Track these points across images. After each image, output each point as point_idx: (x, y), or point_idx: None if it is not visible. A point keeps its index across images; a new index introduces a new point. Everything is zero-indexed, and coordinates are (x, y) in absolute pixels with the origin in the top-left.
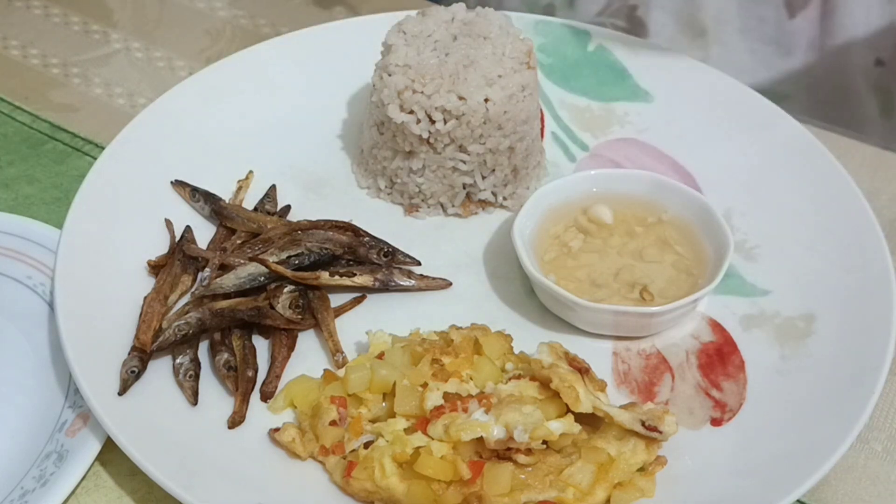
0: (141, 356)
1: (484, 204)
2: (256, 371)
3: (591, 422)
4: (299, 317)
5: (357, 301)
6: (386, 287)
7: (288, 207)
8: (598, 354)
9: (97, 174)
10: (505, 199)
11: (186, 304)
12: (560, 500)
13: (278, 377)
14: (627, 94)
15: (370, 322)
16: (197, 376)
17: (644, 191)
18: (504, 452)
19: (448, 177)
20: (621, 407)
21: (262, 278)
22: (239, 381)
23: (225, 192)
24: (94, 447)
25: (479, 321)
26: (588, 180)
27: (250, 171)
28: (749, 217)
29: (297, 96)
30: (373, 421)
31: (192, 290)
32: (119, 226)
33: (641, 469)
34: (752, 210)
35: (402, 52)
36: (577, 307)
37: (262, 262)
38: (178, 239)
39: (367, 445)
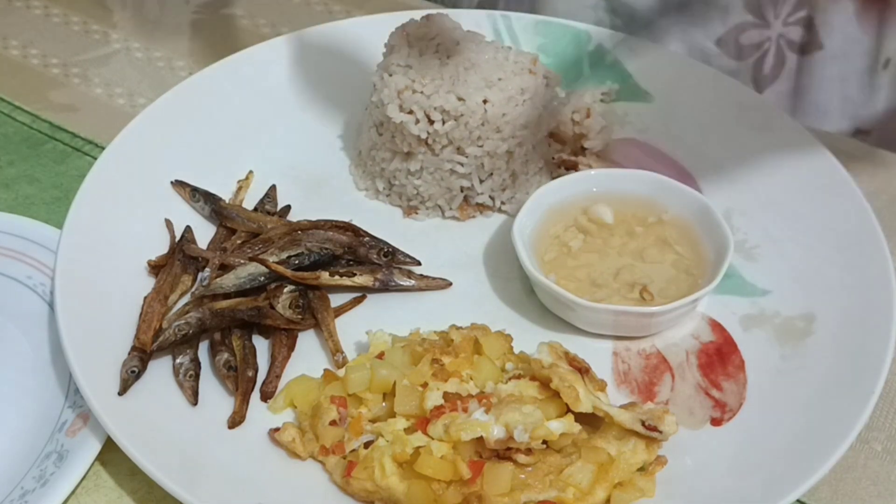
0: (141, 356)
1: (482, 208)
2: (256, 371)
3: (591, 422)
4: (299, 317)
5: (357, 301)
6: (386, 287)
7: (288, 207)
8: (598, 354)
9: (97, 174)
10: (503, 203)
11: (186, 304)
12: (560, 500)
13: (278, 377)
14: (627, 94)
15: (370, 322)
16: (197, 376)
17: (644, 191)
18: (504, 452)
19: (446, 179)
20: (621, 407)
21: (262, 278)
22: (239, 381)
23: (225, 192)
24: (94, 447)
25: (479, 321)
26: (588, 180)
27: (250, 171)
28: (749, 217)
29: (297, 96)
30: (373, 421)
31: (192, 290)
32: (119, 226)
33: (641, 469)
34: (752, 210)
35: (404, 52)
36: (577, 307)
37: (262, 262)
38: (178, 239)
39: (367, 445)
